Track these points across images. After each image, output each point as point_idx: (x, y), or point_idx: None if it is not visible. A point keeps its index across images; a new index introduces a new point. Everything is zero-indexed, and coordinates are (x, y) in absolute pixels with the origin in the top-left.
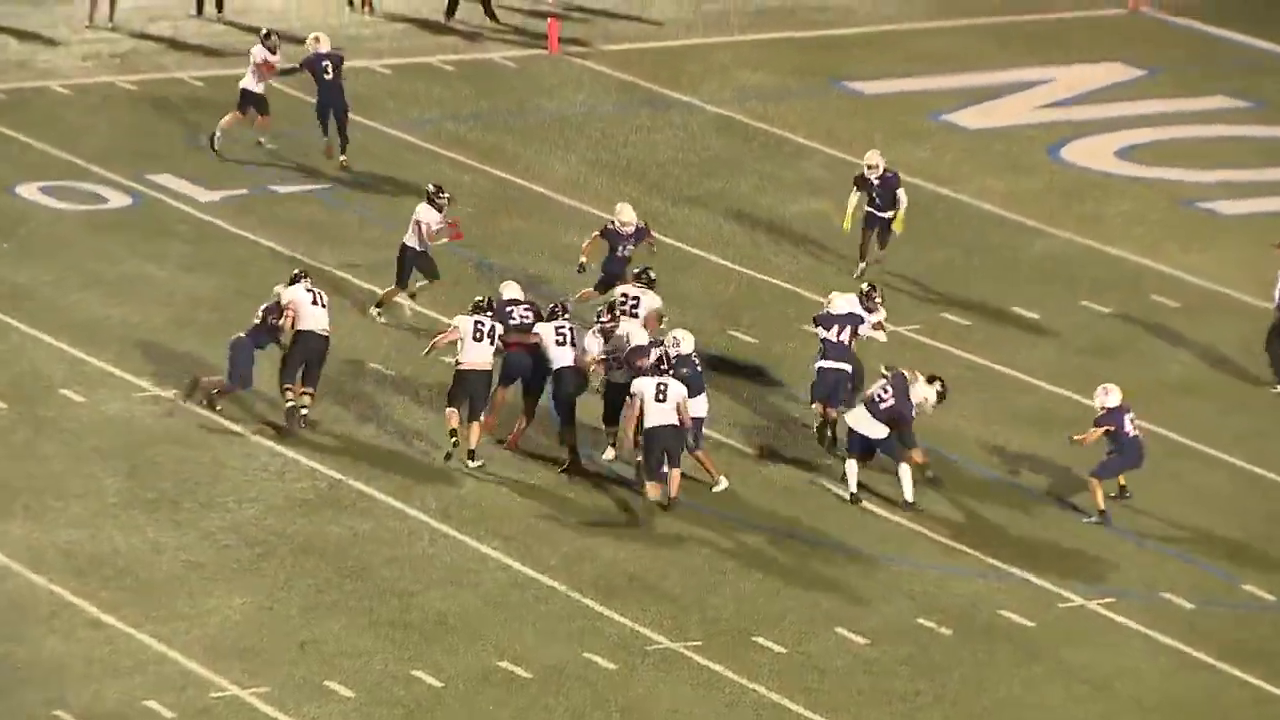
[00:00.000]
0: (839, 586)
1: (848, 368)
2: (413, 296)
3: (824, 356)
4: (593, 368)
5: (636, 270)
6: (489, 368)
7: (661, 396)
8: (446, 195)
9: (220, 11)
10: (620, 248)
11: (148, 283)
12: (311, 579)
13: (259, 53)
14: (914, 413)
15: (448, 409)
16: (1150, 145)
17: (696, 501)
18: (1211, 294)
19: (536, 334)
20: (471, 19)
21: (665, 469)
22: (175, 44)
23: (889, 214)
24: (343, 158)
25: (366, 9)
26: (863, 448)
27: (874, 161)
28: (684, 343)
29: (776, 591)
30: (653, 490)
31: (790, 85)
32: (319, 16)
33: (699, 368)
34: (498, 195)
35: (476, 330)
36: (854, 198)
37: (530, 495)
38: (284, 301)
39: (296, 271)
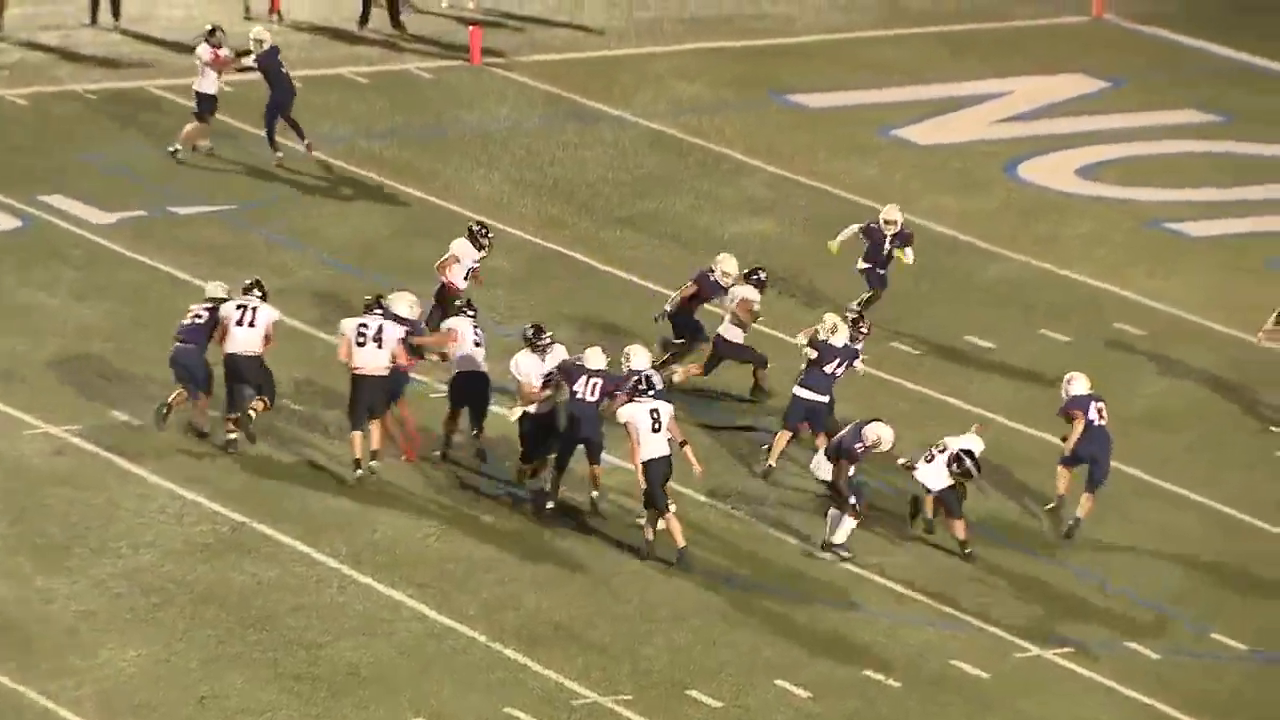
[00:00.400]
0: (781, 635)
1: (826, 400)
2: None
3: (805, 384)
4: (537, 393)
5: (746, 270)
6: (384, 373)
7: (656, 425)
8: (490, 236)
9: (117, 20)
10: (716, 300)
11: (38, 311)
12: (212, 629)
13: (206, 51)
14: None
15: (352, 432)
16: (1113, 162)
17: (624, 546)
18: (1179, 321)
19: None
20: (386, 27)
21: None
22: (68, 55)
23: (887, 270)
24: (307, 143)
25: (273, 16)
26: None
27: (894, 217)
28: (635, 358)
29: (714, 641)
30: (675, 526)
31: (728, 98)
32: (222, 25)
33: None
34: (414, 216)
35: (360, 334)
36: (851, 229)
37: (448, 538)
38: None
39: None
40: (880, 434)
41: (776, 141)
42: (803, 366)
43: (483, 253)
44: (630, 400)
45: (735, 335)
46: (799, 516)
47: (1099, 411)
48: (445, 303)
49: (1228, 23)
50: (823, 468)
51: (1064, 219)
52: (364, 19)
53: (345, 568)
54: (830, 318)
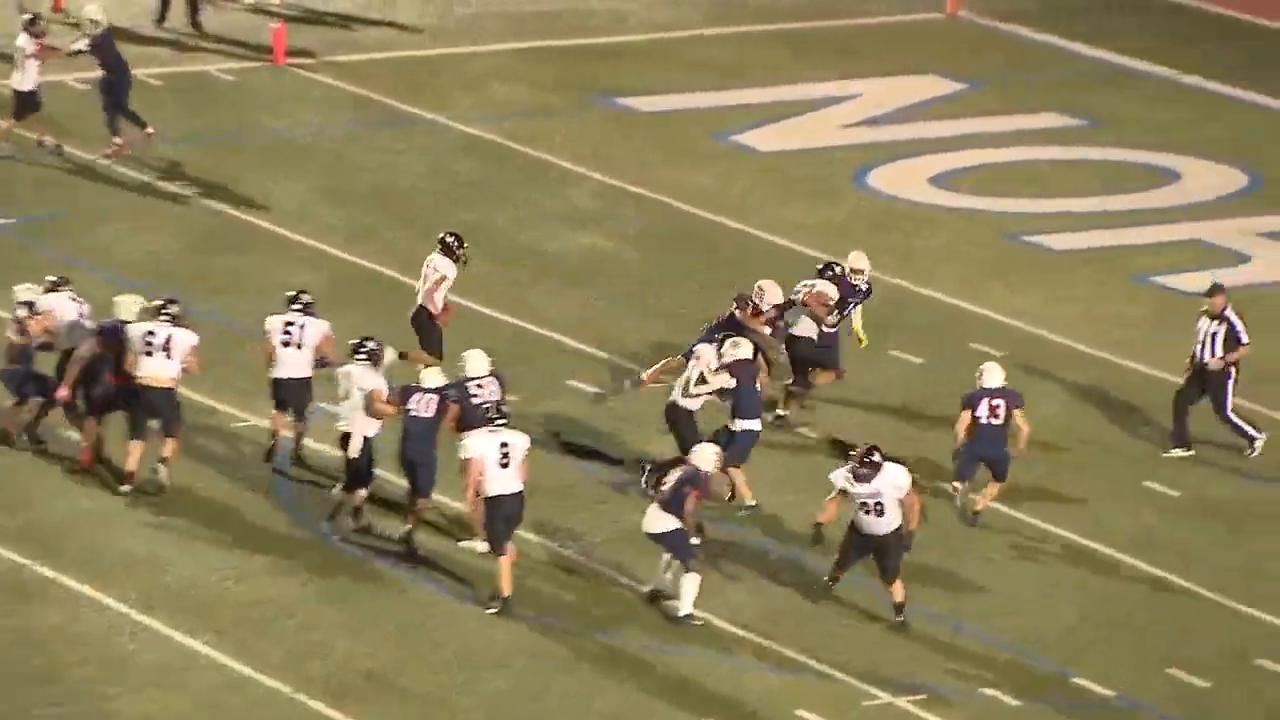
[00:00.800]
0: (613, 683)
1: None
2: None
3: (745, 416)
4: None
5: (819, 266)
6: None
7: (505, 460)
8: (466, 246)
9: None
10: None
11: None
12: None
13: (29, 43)
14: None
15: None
16: (970, 170)
17: (442, 584)
18: (1040, 341)
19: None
20: (184, 25)
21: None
22: None
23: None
24: (150, 129)
25: (55, 10)
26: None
27: (862, 265)
28: (471, 363)
29: (540, 689)
30: (506, 571)
31: (553, 101)
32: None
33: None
34: (212, 228)
35: (285, 334)
36: (858, 315)
37: (247, 580)
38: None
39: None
40: (711, 455)
41: (605, 148)
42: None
43: (462, 266)
44: (471, 421)
45: (810, 330)
46: (632, 554)
47: (992, 409)
48: (430, 330)
49: (1091, 21)
50: (658, 521)
51: (917, 231)
52: (161, 16)
53: (136, 613)
54: (741, 342)
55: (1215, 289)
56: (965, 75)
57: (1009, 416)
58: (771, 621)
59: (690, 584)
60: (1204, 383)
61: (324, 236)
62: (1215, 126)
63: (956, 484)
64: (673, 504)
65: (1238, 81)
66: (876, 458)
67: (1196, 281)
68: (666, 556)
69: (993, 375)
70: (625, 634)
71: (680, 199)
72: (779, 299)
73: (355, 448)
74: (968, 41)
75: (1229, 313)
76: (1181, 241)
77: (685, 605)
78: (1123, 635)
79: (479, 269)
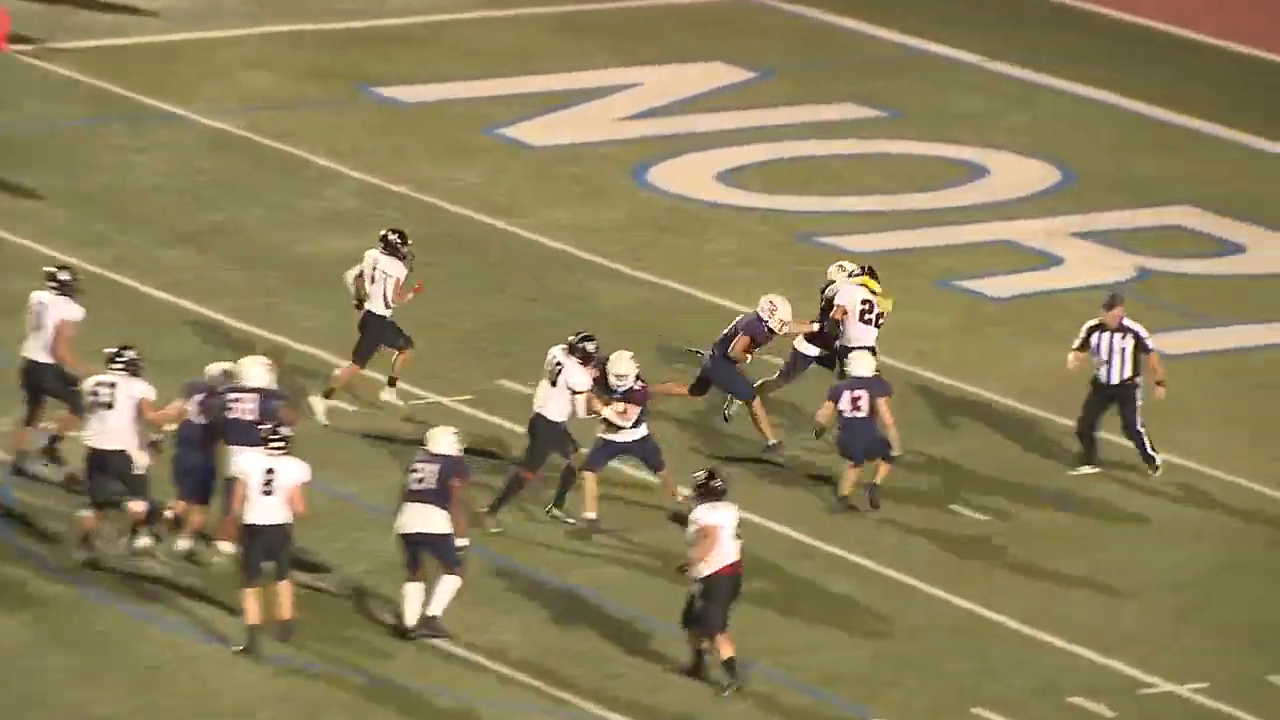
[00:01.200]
0: None
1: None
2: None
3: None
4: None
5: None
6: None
7: (269, 488)
8: (411, 244)
9: None
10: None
11: None
12: None
13: None
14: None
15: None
16: (760, 166)
17: (184, 621)
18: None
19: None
20: None
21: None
22: None
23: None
24: None
25: None
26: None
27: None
28: (244, 371)
29: None
30: (252, 605)
31: (309, 92)
32: None
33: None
34: None
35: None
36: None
37: None
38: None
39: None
40: (453, 438)
41: (366, 143)
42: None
43: (410, 263)
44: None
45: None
46: (391, 587)
47: (853, 401)
48: (375, 333)
49: (891, 2)
50: (419, 519)
51: (704, 233)
52: None
53: None
54: (622, 355)
55: (1114, 300)
56: (754, 63)
57: (873, 408)
58: (538, 658)
59: (448, 586)
60: (1110, 399)
61: (48, 240)
62: (1025, 117)
63: (845, 492)
64: (438, 497)
65: (1049, 68)
66: (718, 482)
67: (1005, 286)
68: (415, 585)
69: (860, 364)
70: (385, 673)
71: (447, 199)
72: (788, 316)
73: (140, 463)
74: (757, 26)
75: (1130, 323)
76: (989, 243)
77: (436, 605)
78: (925, 673)
79: (225, 276)
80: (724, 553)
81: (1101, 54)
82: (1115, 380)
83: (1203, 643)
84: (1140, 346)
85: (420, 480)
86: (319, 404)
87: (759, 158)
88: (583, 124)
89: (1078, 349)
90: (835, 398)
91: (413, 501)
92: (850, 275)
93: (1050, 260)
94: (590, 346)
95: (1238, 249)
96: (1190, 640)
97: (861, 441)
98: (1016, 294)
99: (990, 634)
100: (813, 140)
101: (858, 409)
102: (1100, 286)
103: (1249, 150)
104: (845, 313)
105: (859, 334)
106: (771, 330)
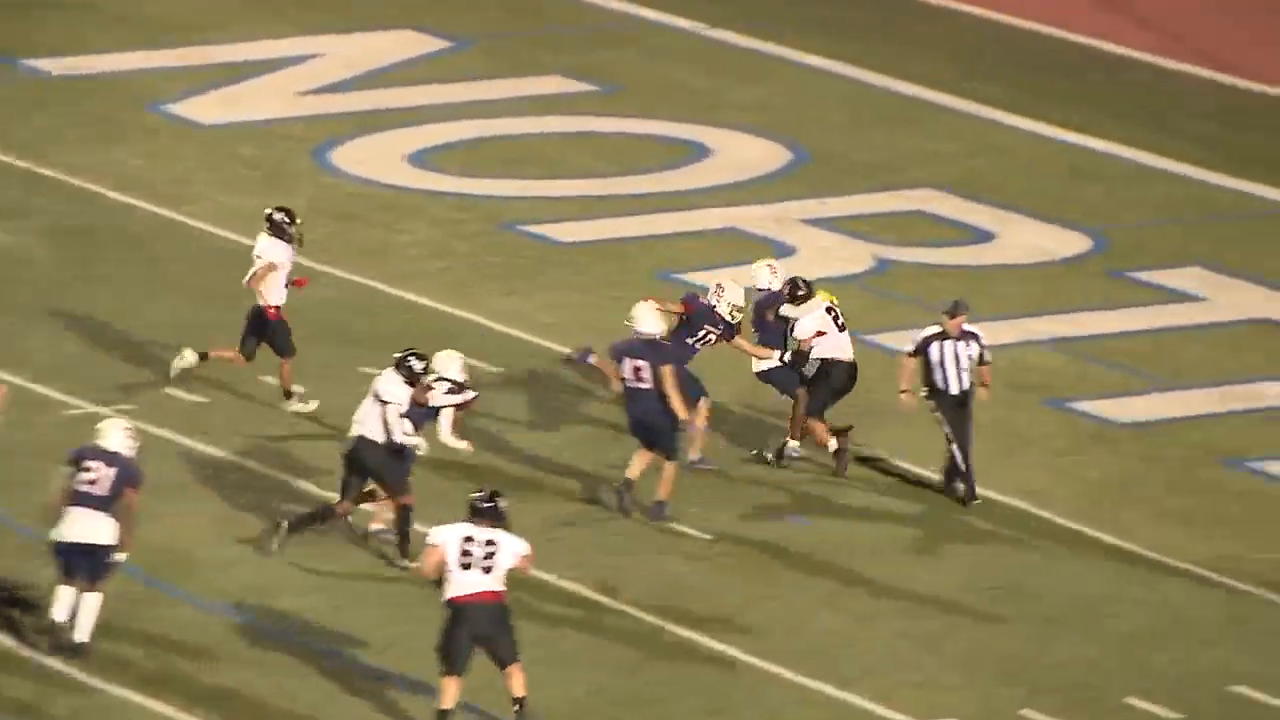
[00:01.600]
0: None
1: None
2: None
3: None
4: None
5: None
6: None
7: (83, 496)
8: (299, 221)
9: None
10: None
11: None
12: None
13: None
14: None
15: None
16: (457, 146)
17: None
18: (545, 355)
19: None
20: None
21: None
22: None
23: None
24: None
25: None
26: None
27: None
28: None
29: None
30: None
31: None
32: None
33: None
34: None
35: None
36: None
37: None
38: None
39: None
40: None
41: (8, 122)
42: None
43: (298, 247)
44: None
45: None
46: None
47: (635, 370)
48: (269, 332)
49: None
50: (86, 528)
51: (394, 222)
52: None
53: None
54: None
55: (959, 307)
56: (450, 31)
57: (657, 379)
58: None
59: (92, 603)
60: (961, 405)
61: None
62: (752, 91)
63: (632, 476)
64: (108, 504)
65: (777, 37)
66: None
67: (733, 278)
68: (69, 592)
69: (644, 321)
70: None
71: (104, 184)
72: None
73: None
74: None
75: (971, 328)
76: (713, 231)
77: (83, 631)
78: (645, 712)
79: None
80: (454, 579)
81: (834, 22)
82: (956, 390)
83: (948, 675)
84: (983, 351)
85: (92, 482)
86: (293, 404)
87: (456, 137)
88: (258, 100)
89: (913, 354)
90: (617, 360)
91: (80, 506)
92: (779, 276)
93: (780, 250)
94: (416, 365)
95: (986, 236)
96: (933, 671)
97: (647, 417)
98: (745, 288)
99: (717, 667)
100: (517, 118)
101: (640, 379)
102: (836, 279)
103: (991, 124)
104: (821, 334)
105: (837, 343)
106: (726, 319)
